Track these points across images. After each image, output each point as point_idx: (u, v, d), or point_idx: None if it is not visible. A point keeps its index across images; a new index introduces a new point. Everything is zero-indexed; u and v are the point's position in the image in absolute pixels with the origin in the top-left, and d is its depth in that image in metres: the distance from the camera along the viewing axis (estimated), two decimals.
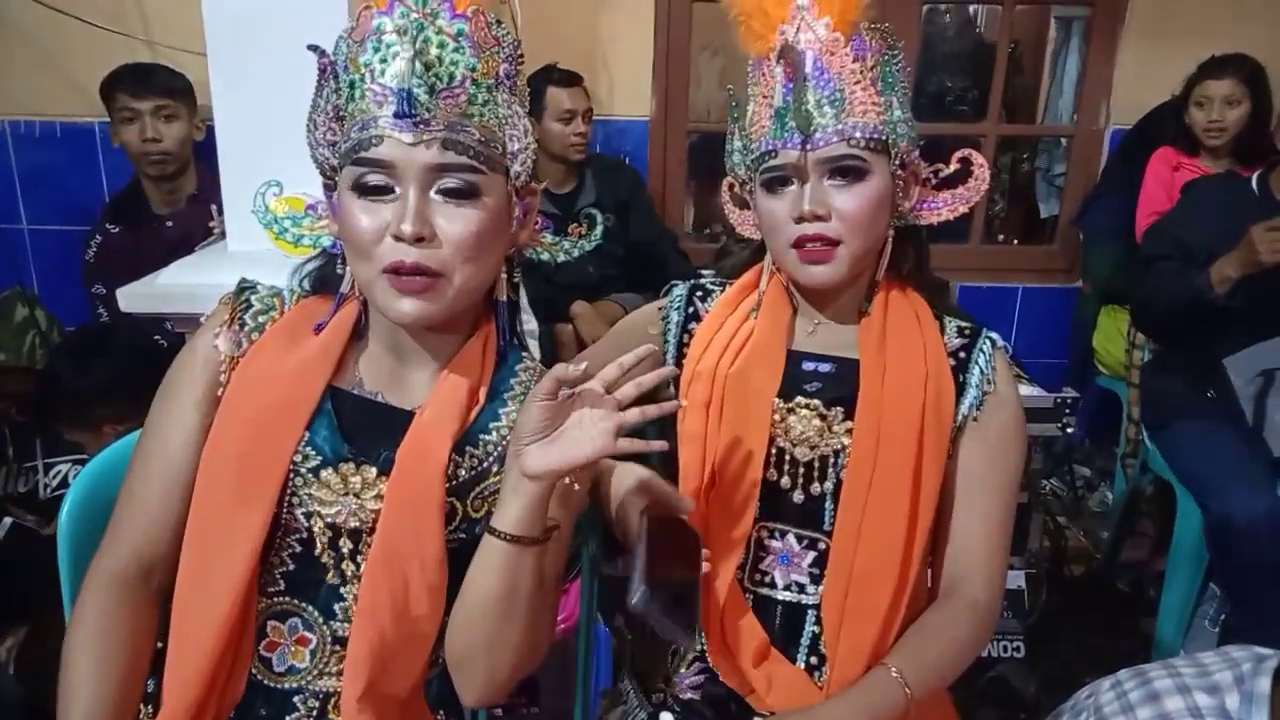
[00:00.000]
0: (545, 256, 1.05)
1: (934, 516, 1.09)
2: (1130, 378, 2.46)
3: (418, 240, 0.89)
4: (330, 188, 0.97)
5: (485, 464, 0.98)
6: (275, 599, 0.97)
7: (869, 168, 1.04)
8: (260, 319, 1.00)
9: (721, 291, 1.21)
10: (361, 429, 0.97)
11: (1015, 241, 3.88)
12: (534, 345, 2.47)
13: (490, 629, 0.93)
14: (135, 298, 1.66)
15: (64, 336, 2.29)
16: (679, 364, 1.19)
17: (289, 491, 0.94)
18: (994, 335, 1.14)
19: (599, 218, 1.10)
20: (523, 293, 1.06)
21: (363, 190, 0.90)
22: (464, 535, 0.97)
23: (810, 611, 1.12)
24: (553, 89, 2.71)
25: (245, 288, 1.02)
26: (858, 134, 1.03)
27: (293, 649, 0.97)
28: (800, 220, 1.05)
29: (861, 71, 1.04)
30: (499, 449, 0.99)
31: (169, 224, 2.46)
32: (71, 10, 2.60)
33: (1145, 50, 3.00)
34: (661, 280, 1.30)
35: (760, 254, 1.18)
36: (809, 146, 1.04)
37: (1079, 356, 2.94)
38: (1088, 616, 2.39)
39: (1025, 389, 1.96)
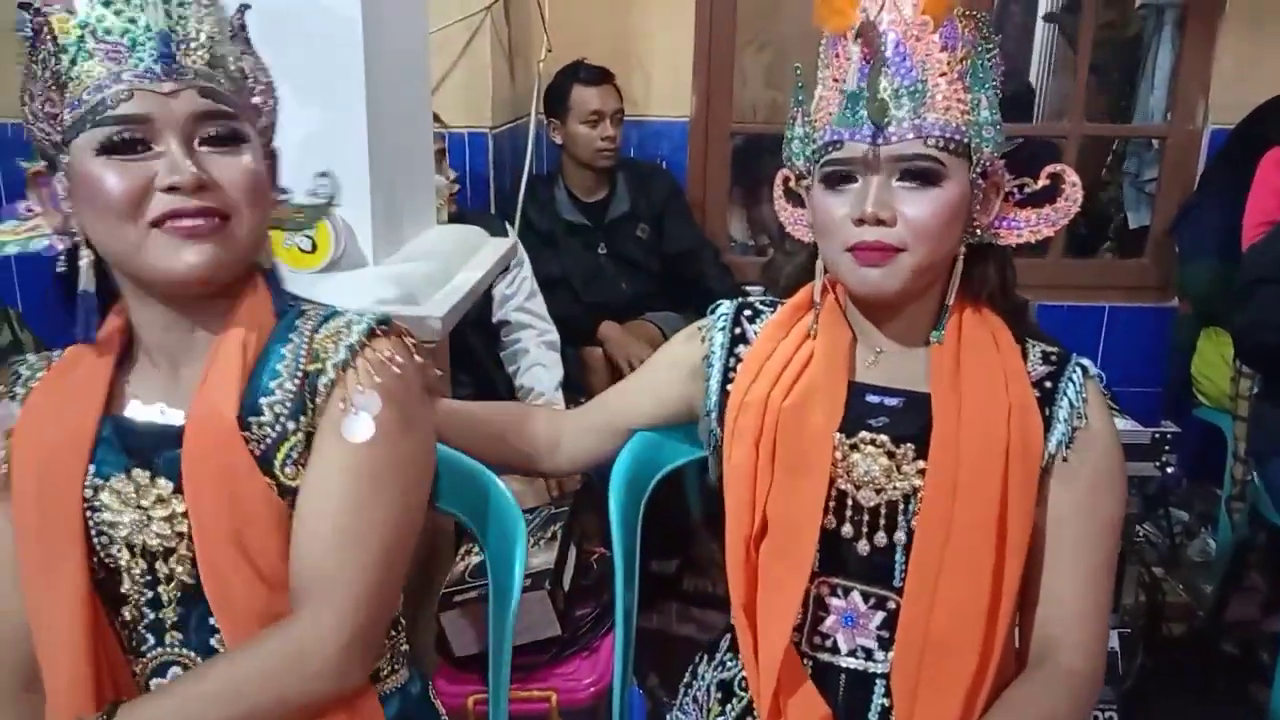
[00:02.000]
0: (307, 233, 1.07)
1: (1022, 572, 1.05)
2: (1236, 409, 2.40)
3: (198, 189, 0.88)
4: (49, 170, 0.96)
5: (280, 422, 0.95)
6: (149, 655, 0.97)
7: (945, 172, 1.02)
8: (30, 385, 1.00)
9: (772, 312, 1.19)
10: (147, 446, 0.96)
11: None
12: (556, 358, 2.45)
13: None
14: None
15: None
16: (724, 392, 1.16)
17: (96, 532, 0.94)
18: (1085, 362, 1.11)
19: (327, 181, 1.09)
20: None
21: (110, 151, 0.88)
22: (292, 509, 0.95)
23: (879, 681, 1.09)
24: (578, 88, 2.71)
25: (12, 362, 1.02)
26: (936, 132, 1.01)
27: None
28: (860, 223, 1.02)
29: (949, 63, 1.02)
30: (290, 404, 0.95)
31: None
32: None
33: (1248, 41, 2.95)
34: (701, 297, 1.27)
35: (812, 267, 1.15)
36: (880, 140, 1.01)
37: (1176, 385, 2.87)
38: (1189, 682, 2.34)
39: (1119, 423, 1.91)
